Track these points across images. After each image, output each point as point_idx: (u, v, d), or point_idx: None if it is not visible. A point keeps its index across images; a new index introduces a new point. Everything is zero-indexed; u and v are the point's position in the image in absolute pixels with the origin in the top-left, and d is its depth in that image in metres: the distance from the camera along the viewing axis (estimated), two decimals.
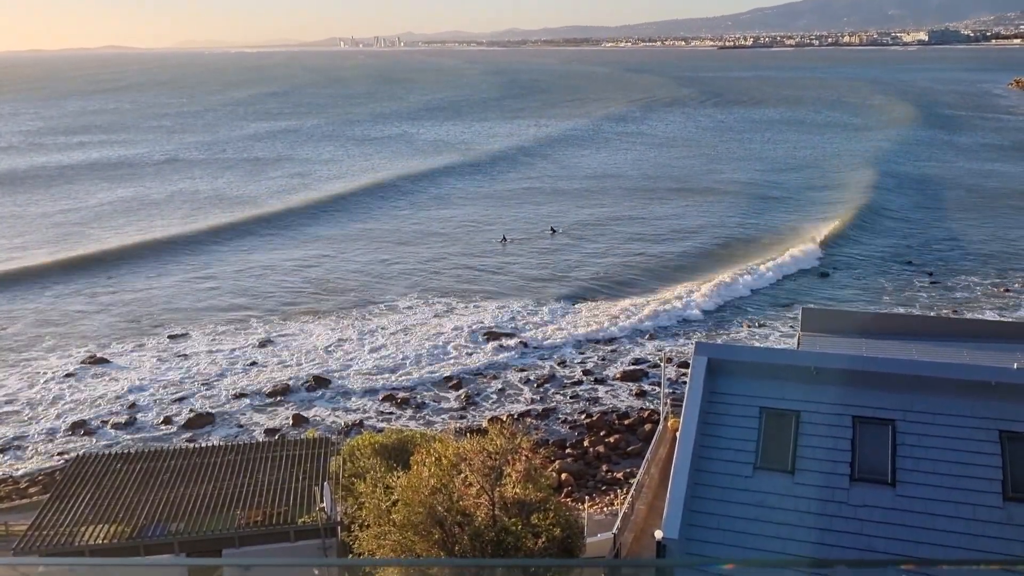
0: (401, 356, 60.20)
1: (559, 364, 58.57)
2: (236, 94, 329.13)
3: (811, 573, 16.46)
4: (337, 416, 51.67)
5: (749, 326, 64.39)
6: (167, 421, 51.31)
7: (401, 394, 54.39)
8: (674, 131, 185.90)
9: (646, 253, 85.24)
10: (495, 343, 62.05)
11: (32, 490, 43.68)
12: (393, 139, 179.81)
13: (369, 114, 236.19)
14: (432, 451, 25.01)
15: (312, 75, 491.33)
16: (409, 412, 52.11)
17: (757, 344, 58.87)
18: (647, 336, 63.21)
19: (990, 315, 63.78)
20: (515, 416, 49.76)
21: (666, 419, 35.92)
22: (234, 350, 61.86)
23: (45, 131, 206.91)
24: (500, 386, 55.53)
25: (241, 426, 50.78)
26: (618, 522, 29.04)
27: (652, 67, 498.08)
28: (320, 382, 56.04)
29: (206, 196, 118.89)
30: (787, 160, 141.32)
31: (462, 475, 24.15)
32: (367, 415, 51.73)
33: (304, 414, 51.78)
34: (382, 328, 65.62)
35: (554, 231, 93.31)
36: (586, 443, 47.11)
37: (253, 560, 28.38)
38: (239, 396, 54.49)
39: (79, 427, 50.89)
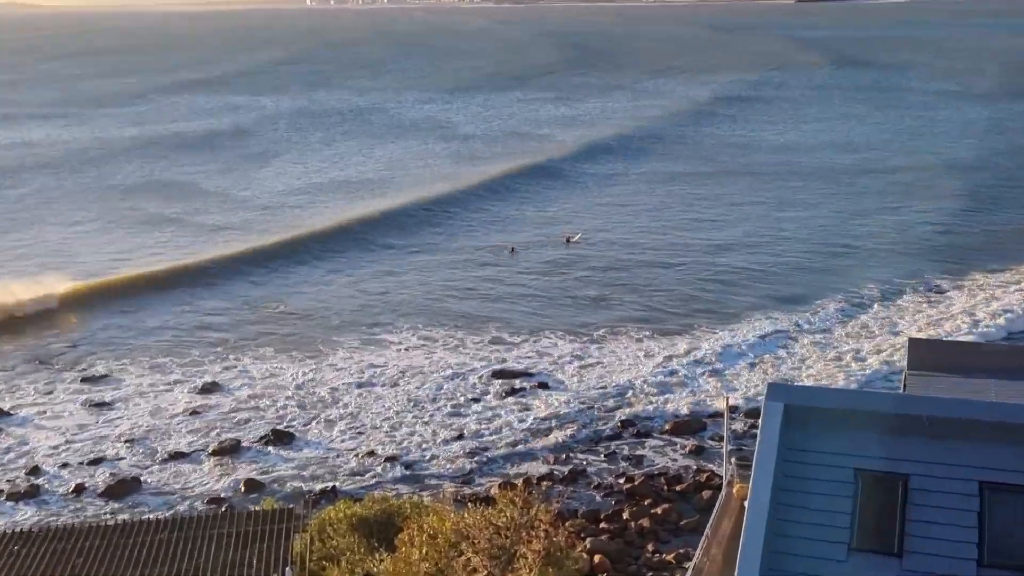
0: (385, 400, 60.16)
1: (590, 410, 58.33)
2: (245, 61, 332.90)
3: None
4: (303, 480, 51.54)
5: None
6: (79, 489, 51.22)
7: (385, 450, 54.27)
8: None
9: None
10: (507, 384, 61.95)
11: None
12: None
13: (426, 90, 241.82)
14: (425, 526, 25.03)
15: (313, 38, 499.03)
16: (396, 473, 51.98)
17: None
18: (707, 374, 62.91)
19: None
20: (532, 479, 49.60)
21: (730, 484, 35.73)
22: (169, 395, 61.96)
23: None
24: (512, 439, 55.33)
25: (176, 494, 50.72)
26: None
27: (743, 24, 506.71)
28: (281, 436, 55.97)
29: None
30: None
31: (463, 557, 24.15)
32: (342, 478, 51.58)
33: (260, 478, 51.66)
34: (360, 364, 65.64)
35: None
36: (626, 515, 46.93)
37: None
38: (175, 456, 54.45)
39: None
